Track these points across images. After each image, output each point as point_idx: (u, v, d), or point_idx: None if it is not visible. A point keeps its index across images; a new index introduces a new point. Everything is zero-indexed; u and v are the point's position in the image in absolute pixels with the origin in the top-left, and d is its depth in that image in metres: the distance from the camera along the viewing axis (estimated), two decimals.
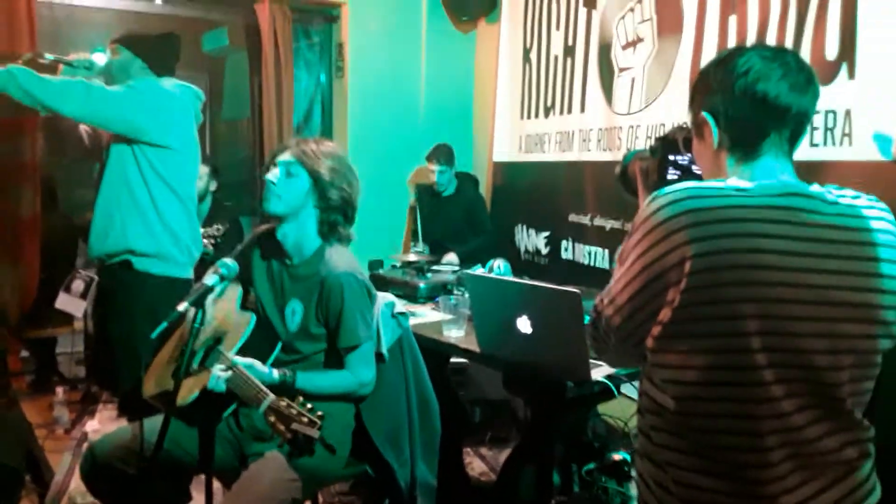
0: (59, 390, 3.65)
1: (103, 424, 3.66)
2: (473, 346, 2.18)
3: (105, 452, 1.87)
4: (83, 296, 3.70)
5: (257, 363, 1.74)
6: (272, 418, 1.59)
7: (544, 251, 4.11)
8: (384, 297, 2.07)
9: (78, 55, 2.51)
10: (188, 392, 1.74)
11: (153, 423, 1.83)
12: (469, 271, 2.41)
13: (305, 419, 1.55)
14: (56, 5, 4.00)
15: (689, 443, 1.12)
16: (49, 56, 2.49)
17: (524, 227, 4.28)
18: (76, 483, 2.97)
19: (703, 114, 1.19)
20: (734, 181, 1.14)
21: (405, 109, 4.58)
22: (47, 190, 4.16)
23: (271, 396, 1.62)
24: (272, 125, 4.28)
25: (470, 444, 3.41)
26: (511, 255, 4.30)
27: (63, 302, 3.73)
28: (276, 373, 1.78)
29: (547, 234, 4.08)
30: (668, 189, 1.14)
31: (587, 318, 1.34)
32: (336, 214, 1.94)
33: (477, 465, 3.27)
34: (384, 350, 2.01)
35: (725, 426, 1.09)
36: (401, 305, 2.09)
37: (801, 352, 1.07)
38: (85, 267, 3.94)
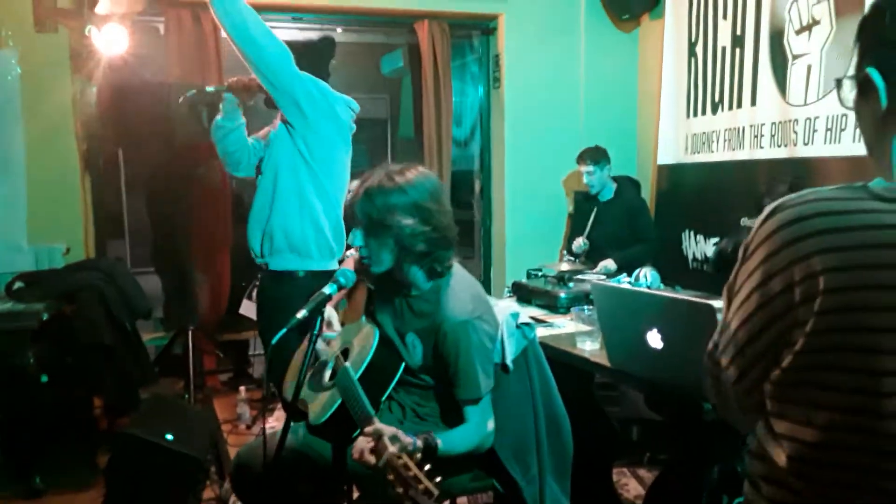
0: (242, 389, 4.01)
1: (280, 422, 3.95)
2: (606, 360, 2.06)
3: (245, 455, 2.00)
4: None
5: (401, 434, 1.56)
6: (391, 476, 1.47)
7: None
8: (508, 308, 2.02)
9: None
10: (320, 409, 1.80)
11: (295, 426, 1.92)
12: (598, 281, 2.28)
13: (422, 487, 1.42)
14: None
15: None
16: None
17: (692, 232, 4.00)
18: None
19: (868, 70, 0.94)
20: (880, 186, 0.91)
21: (565, 116, 4.49)
22: (237, 204, 4.63)
23: (390, 450, 1.50)
24: (431, 142, 4.39)
25: (626, 464, 3.23)
26: (678, 263, 4.04)
27: (246, 308, 4.11)
28: (419, 441, 1.61)
29: (717, 239, 3.77)
30: (791, 200, 0.93)
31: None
32: (430, 259, 1.78)
33: (633, 486, 3.08)
34: (509, 361, 1.96)
35: (849, 497, 0.91)
36: (525, 316, 2.02)
37: None
38: None
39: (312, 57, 2.68)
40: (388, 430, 1.55)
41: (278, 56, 2.42)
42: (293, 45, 2.61)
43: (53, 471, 3.14)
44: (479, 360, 1.76)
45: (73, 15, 3.48)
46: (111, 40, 3.52)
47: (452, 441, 1.72)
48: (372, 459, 1.52)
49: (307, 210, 2.57)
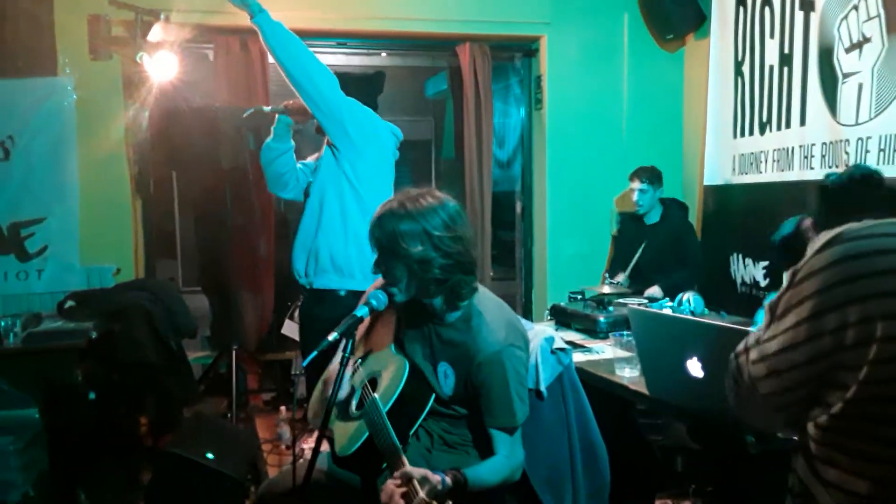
0: (283, 409, 4.03)
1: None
2: (645, 388, 2.00)
3: (271, 486, 1.98)
4: None
5: (430, 474, 1.56)
6: None
7: (763, 283, 3.68)
8: (543, 332, 1.98)
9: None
10: (346, 440, 1.78)
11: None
12: (634, 306, 2.22)
13: None
14: None
15: None
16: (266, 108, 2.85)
17: (740, 256, 3.88)
18: None
19: None
20: None
21: (608, 137, 4.44)
22: (281, 226, 4.70)
23: (420, 496, 1.49)
24: (472, 163, 4.39)
25: (670, 496, 3.12)
26: (725, 287, 3.93)
27: (288, 328, 4.16)
28: (449, 479, 1.60)
29: (766, 263, 3.66)
30: (850, 232, 0.88)
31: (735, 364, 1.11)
32: (448, 286, 1.73)
33: None
34: (543, 388, 1.92)
35: None
36: (562, 340, 1.98)
37: None
38: None
39: (363, 86, 2.77)
40: (418, 472, 1.53)
41: (327, 82, 2.52)
42: (348, 75, 2.72)
43: (98, 487, 3.20)
44: (515, 388, 1.72)
45: (127, 43, 3.61)
46: (162, 67, 3.63)
47: (482, 475, 1.68)
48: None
49: (352, 231, 2.63)
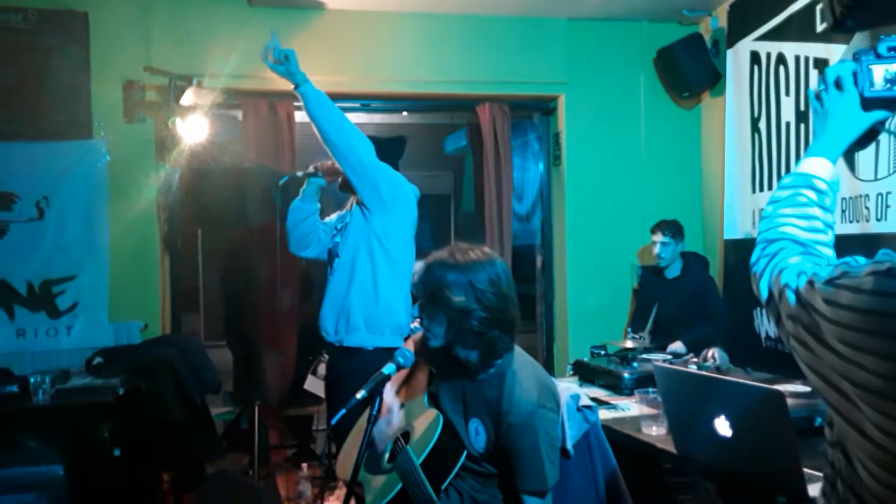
0: (304, 466, 4.01)
1: (340, 501, 3.92)
2: (672, 447, 1.99)
3: None
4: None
5: None
6: None
7: None
8: (568, 389, 1.98)
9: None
10: (378, 493, 1.79)
11: None
12: (659, 362, 2.22)
13: None
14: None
15: None
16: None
17: (763, 310, 3.85)
18: None
19: None
20: None
21: (626, 192, 4.49)
22: (305, 282, 4.76)
23: None
24: (493, 218, 4.45)
25: None
26: (750, 343, 3.89)
27: (310, 384, 4.15)
28: None
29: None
30: None
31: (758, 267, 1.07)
32: (483, 341, 1.76)
33: None
34: (569, 447, 1.91)
35: None
36: (587, 397, 1.98)
37: None
38: None
39: (389, 150, 2.89)
40: None
41: (364, 148, 2.65)
42: (376, 139, 2.83)
43: None
44: (546, 451, 1.73)
45: (160, 107, 3.75)
46: (193, 129, 3.77)
47: None
48: None
49: (382, 289, 2.71)
